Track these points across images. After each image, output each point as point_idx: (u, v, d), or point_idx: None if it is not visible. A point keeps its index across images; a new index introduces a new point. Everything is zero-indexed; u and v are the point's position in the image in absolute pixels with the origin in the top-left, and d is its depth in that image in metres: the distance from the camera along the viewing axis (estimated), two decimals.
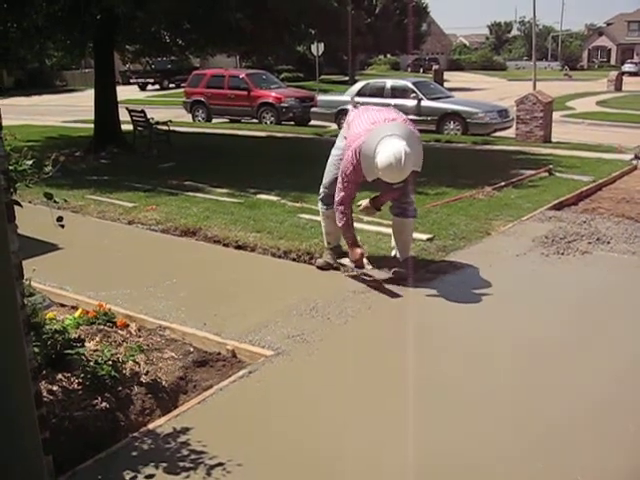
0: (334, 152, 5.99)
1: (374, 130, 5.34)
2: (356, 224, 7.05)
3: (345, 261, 5.98)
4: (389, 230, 6.19)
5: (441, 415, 3.67)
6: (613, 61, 75.05)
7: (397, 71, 58.40)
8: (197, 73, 23.53)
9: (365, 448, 3.38)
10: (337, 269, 6.02)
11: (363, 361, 4.34)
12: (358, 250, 5.66)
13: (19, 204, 2.86)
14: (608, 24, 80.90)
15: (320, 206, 6.18)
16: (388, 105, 16.95)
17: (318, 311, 5.11)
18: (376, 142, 5.22)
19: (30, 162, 3.01)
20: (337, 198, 5.65)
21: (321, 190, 6.12)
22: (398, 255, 5.88)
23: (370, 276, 5.76)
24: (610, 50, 78.41)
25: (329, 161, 6.04)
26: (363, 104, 6.62)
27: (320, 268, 6.09)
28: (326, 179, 6.05)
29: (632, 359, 4.33)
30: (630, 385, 4.00)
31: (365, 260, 5.71)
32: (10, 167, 2.85)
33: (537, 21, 33.73)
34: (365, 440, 3.45)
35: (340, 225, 5.71)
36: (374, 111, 5.70)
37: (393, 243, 6.02)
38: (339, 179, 5.61)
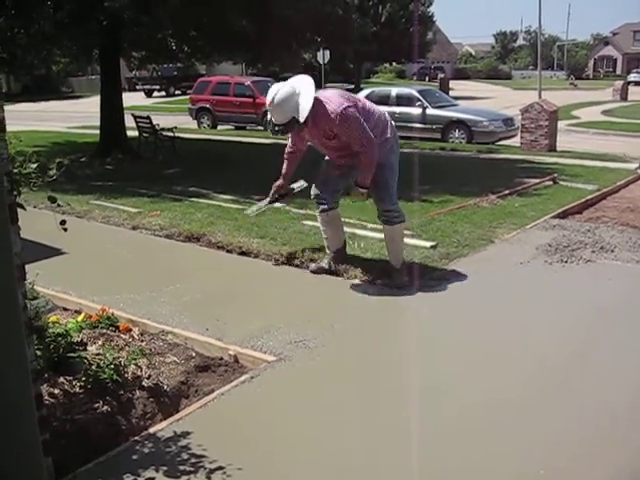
0: None
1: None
2: (359, 231, 7.12)
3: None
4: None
5: (443, 424, 3.66)
6: (619, 71, 75.05)
7: (403, 79, 58.56)
8: (203, 80, 23.65)
9: (366, 456, 3.37)
10: (334, 274, 6.02)
11: (365, 367, 4.34)
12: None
13: (23, 207, 2.87)
14: (614, 34, 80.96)
15: (316, 211, 6.18)
16: (393, 113, 17.23)
17: (320, 317, 5.11)
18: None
19: (34, 165, 3.02)
20: None
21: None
22: (392, 262, 5.86)
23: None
24: (616, 60, 78.46)
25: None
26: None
27: (313, 272, 6.09)
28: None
29: (637, 367, 4.32)
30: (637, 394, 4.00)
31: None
32: (14, 170, 2.86)
33: (543, 30, 33.78)
34: (366, 448, 3.44)
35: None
36: None
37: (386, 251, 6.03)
38: None
